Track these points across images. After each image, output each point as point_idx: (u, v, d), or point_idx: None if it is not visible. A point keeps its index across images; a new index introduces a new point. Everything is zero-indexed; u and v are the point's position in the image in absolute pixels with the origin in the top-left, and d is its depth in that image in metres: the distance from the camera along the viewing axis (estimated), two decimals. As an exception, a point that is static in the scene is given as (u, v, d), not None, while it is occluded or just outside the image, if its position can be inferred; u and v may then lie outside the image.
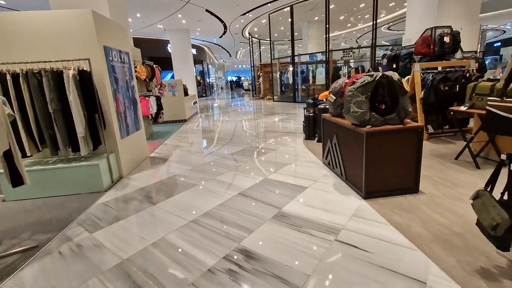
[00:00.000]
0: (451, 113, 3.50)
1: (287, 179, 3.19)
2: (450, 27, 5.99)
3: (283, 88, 13.76)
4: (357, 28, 18.13)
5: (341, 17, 14.85)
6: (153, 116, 6.03)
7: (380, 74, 2.50)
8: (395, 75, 2.54)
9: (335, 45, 23.30)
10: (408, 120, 2.63)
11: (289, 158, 4.04)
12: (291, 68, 12.91)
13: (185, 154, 4.60)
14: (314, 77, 11.89)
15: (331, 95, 3.16)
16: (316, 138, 4.99)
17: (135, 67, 5.72)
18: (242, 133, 6.16)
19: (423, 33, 6.38)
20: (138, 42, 16.69)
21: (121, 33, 4.00)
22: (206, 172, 3.65)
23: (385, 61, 10.29)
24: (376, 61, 10.36)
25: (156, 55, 16.85)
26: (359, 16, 14.95)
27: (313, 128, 5.00)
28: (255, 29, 16.31)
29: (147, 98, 5.72)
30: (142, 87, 6.39)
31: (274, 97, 13.89)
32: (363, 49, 11.72)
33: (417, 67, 4.69)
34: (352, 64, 11.30)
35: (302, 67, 12.73)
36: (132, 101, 4.15)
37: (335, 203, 2.54)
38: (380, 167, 2.54)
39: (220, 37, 17.99)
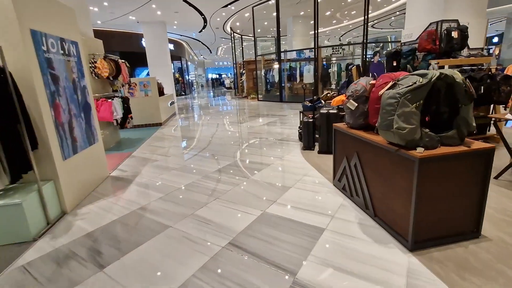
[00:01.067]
0: (492, 120, 2.83)
1: (293, 214, 2.37)
2: (457, 21, 5.43)
3: (268, 87, 12.96)
4: (342, 25, 17.68)
5: (327, 13, 14.25)
6: (119, 121, 4.99)
7: (437, 73, 1.72)
8: (457, 75, 1.77)
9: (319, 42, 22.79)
10: (470, 140, 1.88)
11: (289, 177, 3.22)
12: (276, 66, 12.13)
13: (157, 173, 3.65)
14: (301, 75, 11.18)
15: (351, 101, 2.37)
16: (317, 148, 4.22)
17: (94, 62, 4.65)
18: (227, 140, 5.27)
19: (427, 27, 5.79)
20: (108, 35, 15.23)
21: (64, 15, 2.97)
22: (182, 202, 2.74)
23: (376, 58, 9.77)
24: (368, 59, 9.82)
25: (129, 49, 15.46)
26: (346, 12, 14.43)
27: (312, 136, 4.22)
28: (237, 23, 15.36)
29: (109, 100, 4.67)
30: (106, 87, 5.31)
31: (259, 96, 13.06)
32: (351, 46, 11.18)
33: (434, 66, 4.01)
34: (344, 62, 10.71)
35: (288, 65, 11.98)
36: (83, 106, 3.14)
37: (371, 260, 1.74)
38: (433, 205, 1.78)
39: (200, 32, 16.85)
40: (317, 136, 4.20)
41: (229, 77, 28.84)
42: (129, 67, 5.72)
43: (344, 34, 21.64)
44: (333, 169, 2.88)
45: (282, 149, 4.45)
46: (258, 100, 12.95)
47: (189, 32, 17.29)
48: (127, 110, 5.22)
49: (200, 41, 21.12)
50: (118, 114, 4.75)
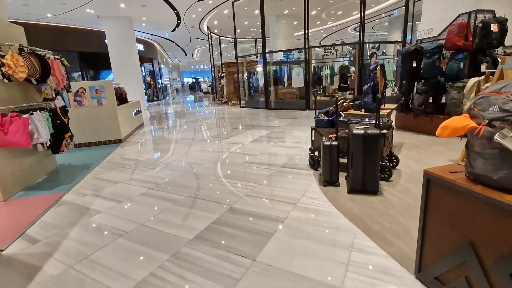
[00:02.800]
0: None
1: None
2: (493, 11, 4.41)
3: (251, 92, 11.61)
4: (325, 26, 16.86)
5: (313, 12, 13.27)
6: (47, 145, 3.36)
7: None
8: None
9: (298, 44, 21.99)
10: None
11: (326, 256, 1.84)
12: (260, 69, 10.83)
13: (89, 247, 2.11)
14: (289, 79, 9.96)
15: (506, 130, 1.04)
16: (343, 183, 2.90)
17: (1, 56, 3.01)
18: (208, 169, 3.81)
19: (455, 19, 4.75)
20: (62, 31, 13.05)
21: None
22: None
23: (373, 60, 8.73)
24: (365, 60, 8.80)
25: (90, 49, 13.43)
26: (332, 12, 13.53)
27: (337, 166, 2.89)
28: (215, 22, 13.92)
29: (25, 115, 3.03)
30: (30, 94, 3.64)
31: (241, 102, 11.67)
32: (344, 47, 10.19)
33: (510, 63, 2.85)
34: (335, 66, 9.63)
35: (274, 68, 10.71)
36: None
37: None
38: None
39: (173, 31, 15.18)
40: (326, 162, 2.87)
41: (206, 81, 27.18)
42: (68, 66, 4.09)
43: (326, 37, 20.96)
44: (418, 251, 1.55)
45: (292, 184, 3.08)
46: (241, 106, 11.56)
47: (161, 31, 15.55)
48: (61, 128, 3.59)
49: (174, 42, 19.38)
50: (42, 136, 3.11)
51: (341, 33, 19.93)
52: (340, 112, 3.42)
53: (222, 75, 14.28)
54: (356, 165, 2.62)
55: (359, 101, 3.88)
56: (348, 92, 9.89)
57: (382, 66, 4.10)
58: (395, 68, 9.20)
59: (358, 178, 2.65)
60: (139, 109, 7.92)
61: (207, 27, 14.79)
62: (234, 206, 2.58)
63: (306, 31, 8.85)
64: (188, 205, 2.68)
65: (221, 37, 17.71)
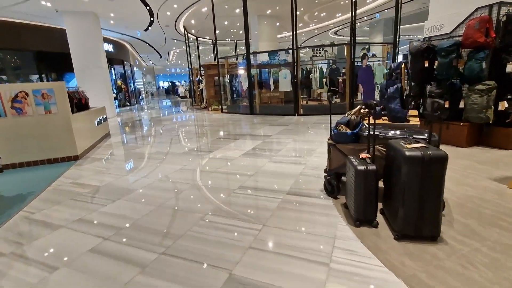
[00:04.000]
0: None
1: None
2: (516, 4, 3.88)
3: (234, 96, 10.72)
4: (307, 29, 16.44)
5: (297, 13, 12.69)
6: None
7: None
8: None
9: (282, 47, 21.54)
10: None
11: None
12: (243, 71, 10.00)
13: None
14: (276, 82, 9.21)
15: None
16: (381, 222, 2.10)
17: None
18: (192, 204, 2.86)
19: (472, 13, 4.21)
20: (15, 28, 11.29)
21: None
22: None
23: (365, 62, 8.23)
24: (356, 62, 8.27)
25: (51, 49, 11.86)
26: (316, 13, 13.06)
27: (375, 200, 2.08)
28: (192, 21, 12.92)
29: None
30: None
31: (223, 107, 10.73)
32: (334, 48, 9.63)
33: None
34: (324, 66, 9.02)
35: (257, 71, 9.92)
36: None
37: None
38: None
39: (146, 30, 13.96)
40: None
41: (183, 85, 25.87)
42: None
43: (307, 40, 20.64)
44: None
45: (311, 224, 2.22)
46: (222, 112, 10.62)
47: (132, 30, 14.25)
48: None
49: (147, 43, 18.04)
50: None
51: (322, 36, 19.70)
52: (364, 123, 2.64)
53: (201, 78, 13.27)
54: (409, 201, 1.82)
55: (378, 108, 3.14)
56: (335, 96, 9.33)
57: (406, 63, 3.40)
58: (386, 71, 8.77)
59: (412, 219, 1.85)
60: (104, 116, 6.73)
61: (184, 27, 13.75)
62: (235, 274, 1.67)
63: (294, 32, 8.16)
64: (161, 272, 1.73)
65: (198, 38, 16.70)
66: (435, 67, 4.29)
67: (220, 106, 10.87)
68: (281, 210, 2.48)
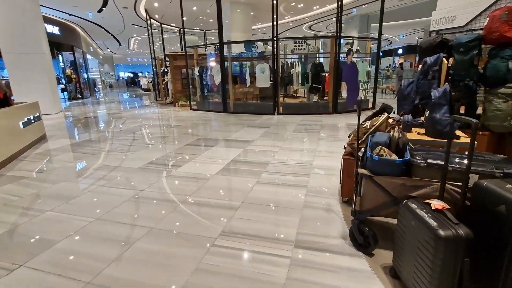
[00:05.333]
0: None
1: None
2: (545, -6, 3.31)
3: (205, 91, 9.53)
4: (282, 21, 15.58)
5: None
6: None
7: None
8: None
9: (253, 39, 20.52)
10: None
11: None
12: (213, 64, 8.85)
13: None
14: (253, 76, 8.23)
15: None
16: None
17: None
18: (152, 271, 1.81)
19: (494, 3, 3.60)
20: None
21: None
22: None
23: (350, 58, 7.59)
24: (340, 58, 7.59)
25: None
26: (293, 4, 12.22)
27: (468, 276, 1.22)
28: (156, 4, 11.33)
29: None
30: None
31: (192, 103, 9.49)
32: (317, 41, 8.85)
33: None
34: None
35: (235, 63, 8.82)
36: None
37: None
38: None
39: (100, 12, 12.03)
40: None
41: (146, 77, 23.68)
42: None
43: (280, 33, 19.79)
44: None
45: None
46: (191, 108, 9.38)
47: (83, 11, 12.20)
48: None
49: (102, 27, 15.85)
50: None
51: (296, 30, 19.02)
52: (411, 145, 1.79)
53: (166, 70, 11.79)
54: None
55: (409, 117, 2.33)
56: (317, 94, 8.62)
57: (448, 58, 2.64)
58: (369, 68, 8.24)
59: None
60: (37, 115, 5.21)
61: (146, 10, 12.07)
62: None
63: (275, 16, 7.21)
64: None
65: (163, 25, 15.00)
66: (449, 65, 3.64)
67: (188, 102, 9.60)
68: (293, 286, 1.54)
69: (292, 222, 2.19)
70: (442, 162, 1.57)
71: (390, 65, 25.42)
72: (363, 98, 8.23)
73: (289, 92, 11.70)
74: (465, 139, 2.08)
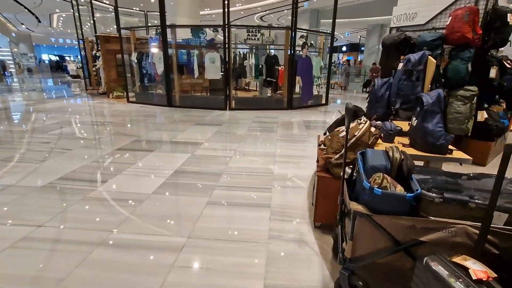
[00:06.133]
0: None
1: None
2: (500, -3, 3.32)
3: (145, 81, 8.32)
4: (233, 9, 14.73)
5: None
6: None
7: None
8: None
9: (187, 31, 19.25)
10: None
11: None
12: (155, 50, 7.72)
13: None
14: (202, 67, 7.39)
15: None
16: None
17: None
18: None
19: (454, 2, 3.50)
20: None
21: None
22: None
23: (305, 52, 7.31)
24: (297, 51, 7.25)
25: None
26: (244, -10, 11.49)
27: None
28: (81, -27, 9.43)
29: None
30: None
31: (129, 95, 8.20)
32: (272, 32, 8.27)
33: None
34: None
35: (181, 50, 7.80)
36: None
37: None
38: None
39: (3, -24, 9.56)
40: None
41: (75, 61, 20.46)
42: None
43: (231, 22, 18.91)
44: None
45: None
46: (129, 101, 8.09)
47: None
48: None
49: (10, -3, 12.86)
50: None
51: (247, 20, 18.35)
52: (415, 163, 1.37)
53: (97, 54, 10.06)
54: None
55: (391, 125, 1.95)
56: (271, 88, 8.22)
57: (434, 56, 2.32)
58: (322, 64, 8.12)
59: None
60: None
61: (68, -21, 10.01)
62: None
63: (226, 1, 6.46)
64: None
65: (93, 1, 12.79)
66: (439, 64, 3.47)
67: (125, 93, 8.27)
68: None
69: (256, 267, 1.63)
70: (465, 197, 1.18)
71: (335, 61, 26.63)
72: (315, 93, 8.11)
73: (241, 85, 11.11)
74: (458, 153, 1.77)
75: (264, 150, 3.89)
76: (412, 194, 1.16)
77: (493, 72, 3.25)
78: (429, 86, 2.12)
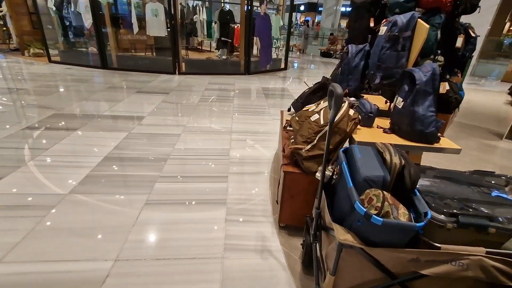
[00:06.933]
0: None
1: None
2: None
3: (70, 35, 6.78)
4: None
5: None
6: None
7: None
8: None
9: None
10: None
11: None
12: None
13: None
14: (143, 21, 6.18)
15: None
16: None
17: None
18: None
19: None
20: None
21: None
22: None
23: (263, 8, 6.59)
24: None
25: None
26: None
27: None
28: None
29: None
30: None
31: (52, 52, 6.65)
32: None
33: None
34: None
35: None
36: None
37: None
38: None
39: None
40: None
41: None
42: None
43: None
44: None
45: None
46: (51, 61, 6.58)
47: None
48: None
49: None
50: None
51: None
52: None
53: (0, -3, 7.82)
54: None
55: (375, 108, 1.60)
56: (226, 49, 7.40)
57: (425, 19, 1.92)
58: (281, 23, 7.46)
59: None
60: None
61: None
62: None
63: None
64: None
65: None
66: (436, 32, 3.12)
67: (45, 51, 6.67)
68: None
69: (209, 299, 1.25)
70: (484, 221, 0.88)
71: (292, 21, 25.69)
72: (274, 57, 7.55)
73: (192, 44, 9.93)
74: (445, 141, 1.51)
75: (219, 125, 3.37)
76: (422, 223, 0.82)
77: (459, 41, 3.09)
78: (416, 58, 1.80)
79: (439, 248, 0.89)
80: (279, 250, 1.56)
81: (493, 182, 1.13)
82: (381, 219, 0.81)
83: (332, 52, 11.93)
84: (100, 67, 6.11)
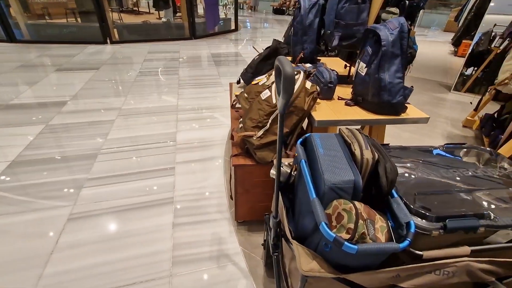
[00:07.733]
0: None
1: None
2: None
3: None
4: None
5: None
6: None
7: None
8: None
9: None
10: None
11: None
12: None
13: None
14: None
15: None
16: None
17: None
18: None
19: None
20: None
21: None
22: None
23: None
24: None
25: None
26: None
27: None
28: None
29: None
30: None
31: None
32: None
33: None
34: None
35: None
36: None
37: None
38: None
39: None
40: None
41: None
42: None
43: None
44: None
45: None
46: None
47: None
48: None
49: None
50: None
51: None
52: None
53: None
54: None
55: (335, 76, 1.35)
56: (166, 11, 6.46)
57: None
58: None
59: None
60: None
61: None
62: None
63: None
64: None
65: None
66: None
67: None
68: None
69: None
70: (474, 222, 0.71)
71: (241, -25, 23.68)
72: (222, 15, 6.82)
73: (127, 6, 8.57)
74: (413, 110, 1.33)
75: (163, 103, 2.91)
76: (406, 243, 0.62)
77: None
78: (378, 10, 1.54)
79: (421, 256, 0.73)
80: (239, 253, 1.35)
81: (465, 159, 0.98)
82: (356, 246, 0.59)
83: (284, 8, 11.27)
84: (6, 41, 4.92)
